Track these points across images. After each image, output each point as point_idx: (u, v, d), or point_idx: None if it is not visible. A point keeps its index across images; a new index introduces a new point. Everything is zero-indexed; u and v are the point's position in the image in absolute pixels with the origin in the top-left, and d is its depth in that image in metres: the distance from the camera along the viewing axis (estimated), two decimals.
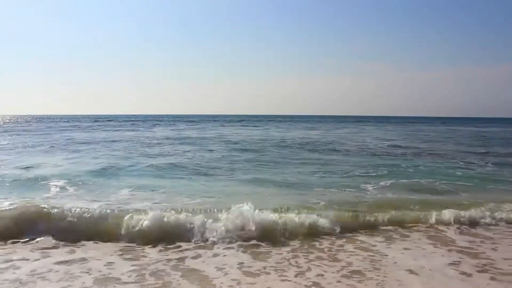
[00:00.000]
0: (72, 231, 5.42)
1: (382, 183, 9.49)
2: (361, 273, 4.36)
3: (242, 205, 5.87)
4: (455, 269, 4.48)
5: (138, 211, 6.06)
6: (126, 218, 5.60)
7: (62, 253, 4.90)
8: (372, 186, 9.15)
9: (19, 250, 4.95)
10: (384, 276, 4.28)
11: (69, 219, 5.62)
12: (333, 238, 5.52)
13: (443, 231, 5.99)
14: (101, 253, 4.92)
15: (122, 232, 5.39)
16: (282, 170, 11.64)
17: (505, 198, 7.67)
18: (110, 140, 22.90)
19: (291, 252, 5.05)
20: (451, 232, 5.92)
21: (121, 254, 4.89)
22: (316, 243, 5.37)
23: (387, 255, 4.93)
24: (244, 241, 5.33)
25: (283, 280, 4.18)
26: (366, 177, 10.49)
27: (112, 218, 5.76)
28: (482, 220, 6.33)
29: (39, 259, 4.67)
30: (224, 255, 4.93)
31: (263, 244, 5.29)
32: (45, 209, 5.81)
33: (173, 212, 5.89)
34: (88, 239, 5.30)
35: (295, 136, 28.08)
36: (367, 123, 66.41)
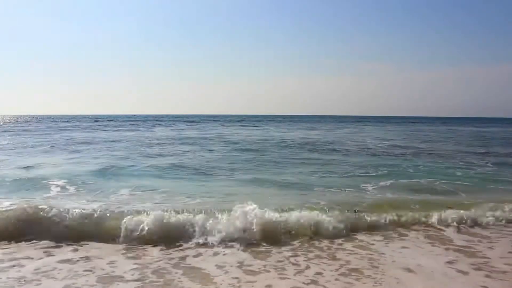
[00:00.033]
0: (74, 231, 5.43)
1: (382, 183, 9.50)
2: (359, 271, 4.40)
3: (243, 205, 5.87)
4: (452, 268, 4.53)
5: (139, 211, 6.07)
6: (127, 218, 5.60)
7: (65, 252, 4.94)
8: (372, 186, 9.17)
9: (22, 249, 4.98)
10: (382, 274, 4.33)
11: (70, 219, 5.61)
12: (333, 238, 5.54)
13: (441, 230, 6.01)
14: (103, 252, 4.95)
15: (124, 232, 5.38)
16: (282, 170, 11.65)
17: (505, 198, 7.67)
18: (110, 140, 22.92)
19: (290, 251, 5.08)
20: (449, 232, 5.94)
21: (123, 253, 4.94)
22: (316, 242, 5.40)
23: (385, 254, 4.97)
24: (245, 240, 5.35)
25: (282, 278, 4.23)
26: (366, 177, 10.51)
27: (113, 218, 5.76)
28: (481, 219, 6.34)
29: (43, 258, 4.72)
30: (225, 254, 4.97)
31: (263, 243, 5.31)
32: (46, 210, 5.80)
33: (174, 212, 5.89)
34: (90, 239, 5.32)
35: (295, 136, 28.09)
36: (367, 123, 66.42)
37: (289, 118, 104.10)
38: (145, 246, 5.17)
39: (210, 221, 5.61)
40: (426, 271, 4.44)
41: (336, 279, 4.19)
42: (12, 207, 6.07)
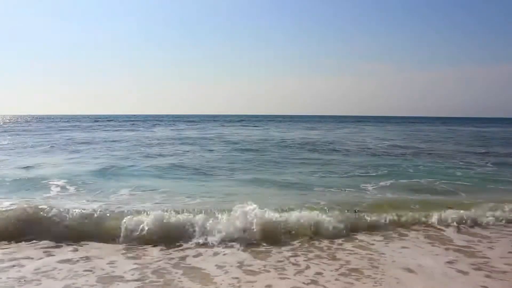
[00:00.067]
0: (74, 231, 5.42)
1: (382, 183, 9.50)
2: (359, 271, 4.41)
3: (243, 205, 5.87)
4: (452, 267, 4.53)
5: (139, 211, 6.06)
6: (127, 218, 5.59)
7: (65, 252, 4.94)
8: (372, 186, 9.17)
9: (22, 249, 4.99)
10: (382, 274, 4.33)
11: (70, 219, 5.61)
12: (333, 238, 5.54)
13: (441, 230, 6.02)
14: (103, 252, 4.96)
15: (124, 232, 5.38)
16: (282, 170, 11.65)
17: (505, 198, 7.67)
18: (110, 140, 22.92)
19: (290, 251, 5.08)
20: (449, 232, 5.94)
21: (123, 253, 4.94)
22: (316, 242, 5.40)
23: (385, 254, 4.97)
24: (245, 240, 5.34)
25: (282, 278, 4.24)
26: (366, 177, 10.51)
27: (113, 218, 5.75)
28: (481, 220, 6.33)
29: (42, 258, 4.72)
30: (225, 254, 4.97)
31: (263, 243, 5.31)
32: (46, 210, 5.79)
33: (174, 212, 5.88)
34: (90, 239, 5.32)
35: (295, 136, 28.09)
36: (367, 123, 66.42)
37: (289, 118, 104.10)
38: (145, 246, 5.17)
39: (210, 221, 5.60)
40: (426, 271, 4.44)
41: (336, 279, 4.20)
42: (12, 207, 6.07)
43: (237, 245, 5.24)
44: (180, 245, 5.23)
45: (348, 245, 5.29)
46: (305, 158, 14.49)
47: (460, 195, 8.49)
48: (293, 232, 5.65)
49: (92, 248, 5.07)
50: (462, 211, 6.52)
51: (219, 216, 5.77)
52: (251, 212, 5.68)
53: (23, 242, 5.20)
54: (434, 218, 6.31)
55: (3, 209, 6.04)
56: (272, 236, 5.46)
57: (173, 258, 4.78)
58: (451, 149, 19.04)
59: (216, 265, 4.58)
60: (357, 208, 6.77)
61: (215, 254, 4.98)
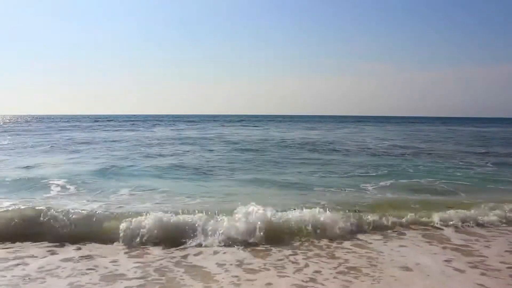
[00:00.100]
0: (76, 232, 5.44)
1: (382, 183, 9.51)
2: (358, 270, 4.45)
3: (244, 207, 5.85)
4: (449, 266, 4.58)
5: (140, 213, 6.04)
6: (129, 219, 5.60)
7: (68, 251, 4.99)
8: (372, 186, 9.18)
9: (26, 249, 5.03)
10: (380, 273, 4.37)
11: (72, 220, 5.62)
12: (332, 237, 5.57)
13: (440, 230, 6.05)
14: (105, 251, 5.01)
15: (126, 233, 5.37)
16: (282, 170, 11.66)
17: (505, 198, 7.68)
18: (110, 140, 22.93)
19: (290, 250, 5.12)
20: (447, 231, 5.97)
21: (126, 253, 4.99)
22: (315, 241, 5.43)
23: (384, 253, 5.02)
24: (245, 240, 5.35)
25: (282, 276, 4.28)
26: (366, 177, 10.52)
27: (115, 219, 5.75)
28: (479, 219, 6.35)
29: (46, 257, 4.78)
30: (225, 253, 5.01)
31: (263, 243, 5.32)
32: (49, 210, 5.81)
33: (175, 214, 5.83)
34: (92, 239, 5.34)
35: (295, 136, 28.11)
36: (367, 123, 66.43)
37: (289, 118, 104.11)
38: (146, 246, 5.19)
39: (212, 223, 5.58)
40: (424, 269, 4.48)
41: (335, 277, 4.24)
42: (15, 208, 6.06)
43: (237, 245, 5.25)
44: (182, 245, 5.24)
45: (347, 244, 5.33)
46: (305, 158, 14.51)
47: (460, 195, 8.50)
48: (293, 231, 5.66)
49: (95, 248, 5.11)
50: (460, 211, 6.55)
51: (220, 217, 5.76)
52: (252, 213, 5.67)
53: (26, 242, 5.23)
54: (433, 217, 6.33)
55: (5, 209, 6.06)
56: (272, 236, 5.46)
57: (174, 257, 4.82)
58: (451, 149, 19.05)
59: (216, 263, 4.63)
60: (357, 208, 6.79)
61: (215, 252, 5.02)
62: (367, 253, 5.01)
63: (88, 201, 7.37)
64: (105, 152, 16.23)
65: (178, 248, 5.15)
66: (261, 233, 5.40)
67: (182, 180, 9.91)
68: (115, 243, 5.26)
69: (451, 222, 6.21)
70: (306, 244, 5.34)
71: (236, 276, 4.27)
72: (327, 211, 6.11)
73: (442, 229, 6.05)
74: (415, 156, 15.37)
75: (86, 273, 4.30)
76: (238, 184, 9.49)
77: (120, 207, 6.89)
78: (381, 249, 5.14)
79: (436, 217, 6.33)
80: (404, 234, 5.84)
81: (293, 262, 4.68)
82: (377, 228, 5.98)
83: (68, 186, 8.72)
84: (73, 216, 5.68)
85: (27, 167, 11.44)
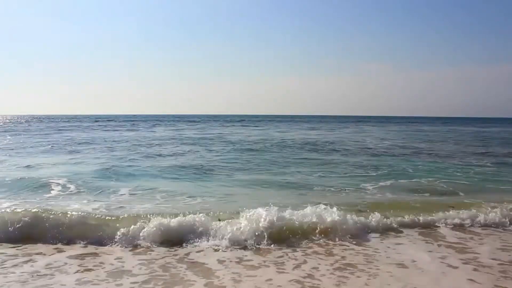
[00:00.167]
0: (80, 232, 5.46)
1: (382, 183, 9.53)
2: (354, 266, 4.56)
3: (250, 211, 5.83)
4: (443, 263, 4.71)
5: (140, 214, 6.07)
6: (131, 221, 5.65)
7: (75, 248, 5.11)
8: (372, 186, 9.19)
9: (33, 247, 5.11)
10: (377, 269, 4.48)
11: (76, 220, 5.65)
12: (331, 236, 5.61)
13: (436, 228, 6.12)
14: (110, 250, 5.11)
15: (128, 234, 5.39)
16: (282, 170, 11.67)
17: (505, 198, 7.70)
18: (110, 140, 22.95)
19: (289, 247, 5.21)
20: (443, 230, 6.05)
21: (130, 250, 5.10)
22: (314, 239, 5.50)
23: (380, 250, 5.12)
24: (250, 243, 5.35)
25: (280, 273, 4.39)
26: (366, 177, 10.53)
27: (117, 221, 5.75)
28: (475, 218, 6.39)
29: (54, 254, 4.89)
30: (225, 251, 5.10)
31: (263, 241, 5.35)
32: (52, 211, 5.87)
33: (175, 215, 5.84)
34: (96, 239, 5.36)
35: (295, 136, 28.13)
36: (367, 123, 66.46)
37: (289, 118, 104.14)
38: (150, 245, 5.23)
39: (215, 226, 5.58)
40: (419, 266, 4.60)
41: (331, 273, 4.36)
42: (20, 209, 6.03)
43: (240, 246, 5.28)
44: (184, 245, 5.28)
45: (344, 242, 5.42)
46: (305, 158, 14.52)
47: (460, 195, 8.51)
48: (295, 231, 5.67)
49: (100, 246, 5.20)
50: (458, 210, 6.61)
51: (223, 219, 5.78)
52: (257, 217, 5.63)
53: (33, 241, 5.28)
54: (430, 217, 6.39)
55: (8, 210, 6.08)
56: (274, 236, 5.47)
57: (177, 255, 4.93)
58: (451, 149, 19.07)
59: (217, 260, 4.74)
60: (357, 208, 6.80)
61: (216, 250, 5.11)
62: (364, 250, 5.13)
63: (88, 201, 7.38)
64: (105, 152, 16.24)
65: (180, 247, 5.22)
66: (265, 236, 5.40)
67: (182, 180, 9.93)
68: (118, 243, 5.29)
69: (448, 221, 6.29)
70: (306, 242, 5.42)
71: (237, 273, 4.37)
72: (327, 211, 6.12)
73: (438, 228, 6.13)
74: (415, 156, 15.39)
75: (93, 270, 4.42)
76: (238, 184, 9.51)
77: (121, 207, 6.91)
78: (378, 247, 5.25)
79: (433, 216, 6.39)
80: (401, 232, 5.93)
81: (292, 259, 4.80)
82: (376, 227, 6.01)
83: (68, 186, 8.73)
84: (77, 217, 5.71)
85: (28, 167, 11.46)
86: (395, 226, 6.09)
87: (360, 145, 20.86)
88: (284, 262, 4.70)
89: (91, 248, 5.10)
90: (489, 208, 6.70)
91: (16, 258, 4.71)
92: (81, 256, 4.81)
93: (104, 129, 36.62)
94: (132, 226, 5.44)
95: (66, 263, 4.58)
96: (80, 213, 5.87)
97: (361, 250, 5.13)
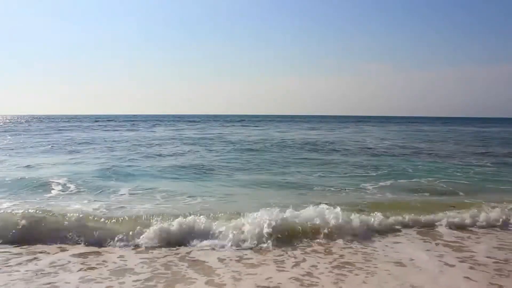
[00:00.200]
0: (82, 232, 5.46)
1: (381, 183, 9.53)
2: (352, 264, 4.63)
3: (253, 214, 5.80)
4: (441, 261, 4.78)
5: (142, 215, 6.06)
6: (133, 222, 5.68)
7: (78, 247, 5.16)
8: (372, 186, 9.20)
9: (37, 246, 5.15)
10: (375, 267, 4.55)
11: (78, 220, 5.66)
12: (331, 235, 5.64)
13: (434, 228, 6.16)
14: (113, 249, 5.16)
15: (130, 238, 5.39)
16: (282, 170, 11.68)
17: (505, 198, 7.71)
18: (110, 140, 22.96)
19: (289, 246, 5.26)
20: (441, 229, 6.10)
21: (133, 249, 5.16)
22: (314, 239, 5.54)
23: (379, 249, 5.18)
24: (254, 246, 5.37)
25: (280, 271, 4.45)
26: (366, 177, 10.54)
27: (118, 222, 5.76)
28: (474, 218, 6.40)
29: (57, 253, 4.95)
30: (226, 250, 5.14)
31: (264, 241, 5.35)
32: (53, 212, 5.90)
33: (176, 217, 5.83)
34: (99, 239, 5.37)
35: (295, 136, 28.13)
36: (367, 123, 66.45)
37: (289, 118, 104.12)
38: (152, 245, 5.27)
39: (214, 226, 5.59)
40: (416, 264, 4.67)
41: (330, 271, 4.42)
42: (22, 211, 6.01)
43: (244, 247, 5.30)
44: (186, 244, 5.31)
45: (343, 241, 5.47)
46: (305, 158, 14.53)
47: (460, 194, 8.52)
48: (295, 231, 5.68)
49: (102, 246, 5.24)
50: (456, 210, 6.64)
51: (225, 221, 5.76)
52: (262, 223, 5.59)
53: (36, 241, 5.30)
54: (430, 216, 6.41)
55: (11, 211, 6.08)
56: (276, 237, 5.48)
57: (179, 253, 5.00)
58: (451, 149, 19.07)
59: (218, 259, 4.81)
60: (357, 207, 6.80)
61: (217, 250, 5.16)
62: (363, 249, 5.20)
63: (89, 201, 7.39)
64: (105, 152, 16.25)
65: (181, 246, 5.26)
66: (269, 237, 5.40)
67: (182, 180, 9.94)
68: (121, 243, 5.30)
69: (446, 221, 6.30)
70: (305, 241, 5.46)
71: (237, 271, 4.43)
72: (326, 210, 6.12)
73: (437, 227, 6.17)
74: (415, 156, 15.40)
75: (96, 268, 4.50)
76: (238, 184, 9.51)
77: (121, 207, 6.92)
78: (376, 246, 5.31)
79: (432, 216, 6.42)
80: (400, 231, 5.98)
81: (291, 257, 4.87)
82: (375, 226, 6.02)
83: (68, 186, 8.74)
84: (78, 218, 5.71)
85: (28, 167, 11.47)
86: (394, 225, 6.12)
87: (360, 145, 20.87)
88: (284, 260, 4.77)
89: (93, 248, 5.16)
90: (489, 208, 6.71)
91: (21, 257, 4.77)
92: (84, 255, 4.88)
93: (104, 129, 36.63)
94: (131, 233, 5.42)
95: (69, 261, 4.66)
96: (81, 215, 5.86)
97: (360, 248, 5.19)
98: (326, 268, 4.52)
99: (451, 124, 66.32)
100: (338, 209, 6.08)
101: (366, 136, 28.63)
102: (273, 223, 5.55)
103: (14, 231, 5.44)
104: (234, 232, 5.44)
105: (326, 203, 6.45)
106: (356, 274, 4.34)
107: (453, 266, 4.62)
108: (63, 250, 5.05)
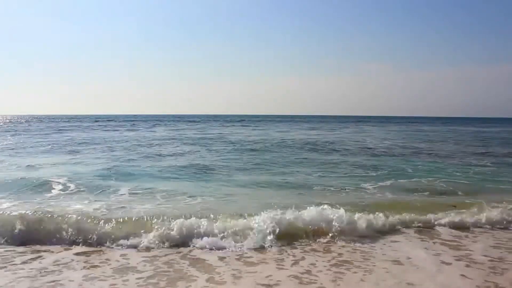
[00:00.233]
0: (84, 232, 5.49)
1: (381, 183, 9.54)
2: (350, 263, 4.71)
3: (257, 217, 5.81)
4: (438, 259, 4.83)
5: (143, 216, 6.08)
6: (134, 223, 5.70)
7: (81, 246, 5.23)
8: (372, 186, 9.21)
9: (40, 246, 5.22)
10: (373, 266, 4.62)
11: (80, 221, 5.68)
12: (330, 234, 5.68)
13: (433, 227, 6.20)
14: (115, 247, 5.23)
15: (133, 234, 5.43)
16: (282, 170, 11.69)
17: (505, 198, 7.71)
18: (110, 140, 22.97)
19: (288, 245, 5.32)
20: (439, 229, 6.16)
21: (134, 247, 5.22)
22: (313, 238, 5.59)
23: (377, 248, 5.25)
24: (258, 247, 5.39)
25: (280, 269, 4.52)
26: (366, 177, 10.54)
27: (119, 222, 5.76)
28: (472, 218, 6.43)
29: (61, 252, 5.04)
30: (226, 249, 5.20)
31: (265, 242, 5.36)
32: (53, 213, 5.92)
33: (176, 217, 5.84)
34: (100, 239, 5.40)
35: (295, 136, 28.14)
36: (367, 123, 66.45)
37: (290, 118, 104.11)
38: (153, 245, 5.30)
39: (216, 229, 5.60)
40: (414, 263, 4.74)
41: (328, 270, 4.49)
42: (23, 212, 6.03)
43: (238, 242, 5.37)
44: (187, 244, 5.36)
45: (342, 240, 5.53)
46: (305, 158, 14.54)
47: (459, 194, 8.53)
48: (295, 231, 5.70)
49: (104, 245, 5.29)
50: (455, 210, 6.69)
51: (226, 221, 5.77)
52: (265, 229, 5.59)
53: (38, 242, 5.34)
54: (428, 216, 6.43)
55: (12, 212, 6.09)
56: (278, 238, 5.49)
57: (180, 252, 5.08)
58: (451, 149, 19.08)
59: (218, 257, 4.89)
60: (356, 208, 6.80)
61: (218, 248, 5.21)
62: (361, 247, 5.28)
63: (89, 201, 7.40)
64: (106, 152, 16.26)
65: (182, 246, 5.31)
66: (270, 239, 5.41)
67: (182, 180, 9.94)
68: (122, 243, 5.32)
69: (444, 220, 6.34)
70: (304, 241, 5.52)
71: (237, 269, 4.51)
72: (326, 210, 6.14)
73: (435, 226, 6.23)
74: (415, 156, 15.41)
75: (99, 266, 4.58)
76: (239, 184, 9.52)
77: (121, 207, 6.93)
78: (375, 245, 5.39)
79: (430, 215, 6.44)
80: (398, 230, 6.04)
81: (291, 255, 4.95)
82: (374, 226, 6.04)
83: (69, 186, 8.75)
84: (80, 218, 5.74)
85: (28, 167, 11.48)
86: (393, 224, 6.15)
87: (360, 145, 20.88)
88: (283, 259, 4.84)
89: (96, 247, 5.24)
90: (489, 208, 6.73)
91: (25, 255, 4.85)
92: (87, 254, 4.99)
93: (104, 129, 36.64)
94: (133, 233, 5.44)
95: (73, 260, 4.74)
96: (81, 215, 5.88)
97: (358, 247, 5.27)
98: (325, 266, 4.59)
99: (451, 124, 66.30)
100: (342, 210, 6.08)
101: (366, 136, 28.64)
102: (277, 229, 5.53)
103: (17, 231, 5.46)
104: (236, 236, 5.46)
105: (326, 203, 6.47)
106: (354, 272, 4.41)
107: (449, 264, 4.69)
108: (66, 249, 5.16)
